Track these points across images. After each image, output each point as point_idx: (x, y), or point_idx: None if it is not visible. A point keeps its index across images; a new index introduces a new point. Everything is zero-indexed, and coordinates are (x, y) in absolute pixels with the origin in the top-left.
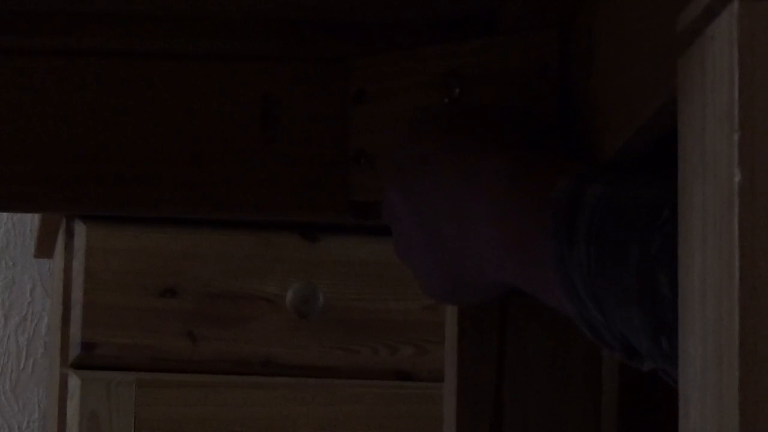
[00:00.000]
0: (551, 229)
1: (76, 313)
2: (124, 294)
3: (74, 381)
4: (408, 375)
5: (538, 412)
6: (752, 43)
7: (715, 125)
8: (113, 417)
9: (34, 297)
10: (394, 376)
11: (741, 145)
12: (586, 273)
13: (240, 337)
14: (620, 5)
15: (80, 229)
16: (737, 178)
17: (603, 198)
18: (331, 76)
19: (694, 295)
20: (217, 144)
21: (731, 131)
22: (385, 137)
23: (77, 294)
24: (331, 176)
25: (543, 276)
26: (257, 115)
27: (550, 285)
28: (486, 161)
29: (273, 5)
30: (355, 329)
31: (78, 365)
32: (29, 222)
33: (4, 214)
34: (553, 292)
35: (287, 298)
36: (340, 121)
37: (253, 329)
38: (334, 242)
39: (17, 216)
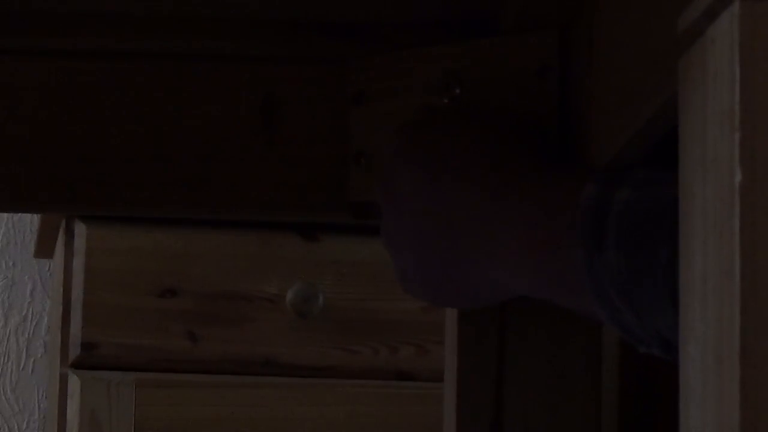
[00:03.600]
0: (580, 236)
1: (76, 313)
2: (124, 294)
3: (74, 381)
4: (408, 375)
5: (538, 412)
6: (753, 43)
7: (716, 125)
8: (113, 417)
9: (34, 297)
10: (394, 376)
11: (742, 145)
12: (617, 278)
13: (240, 337)
14: (621, 6)
15: (80, 229)
16: (738, 179)
17: (630, 202)
18: (331, 76)
19: (694, 296)
20: (217, 144)
21: (732, 131)
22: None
23: (77, 294)
24: (331, 176)
25: (570, 283)
26: (257, 115)
27: (578, 291)
28: (510, 164)
29: (273, 6)
30: (355, 329)
31: (78, 365)
32: (29, 222)
33: (4, 214)
34: (582, 300)
35: (287, 298)
36: (340, 121)
37: (253, 329)
38: (334, 242)
39: (17, 216)
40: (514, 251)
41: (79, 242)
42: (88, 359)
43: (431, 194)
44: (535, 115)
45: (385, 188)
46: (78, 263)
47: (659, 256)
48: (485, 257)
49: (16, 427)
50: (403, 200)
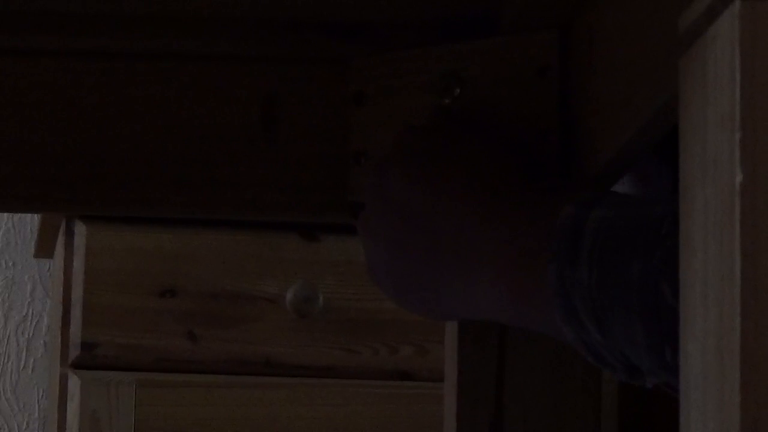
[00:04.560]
0: (553, 252)
1: (76, 313)
2: (124, 294)
3: (74, 381)
4: (408, 375)
5: (538, 412)
6: (754, 43)
7: (717, 126)
8: (113, 417)
9: (34, 297)
10: (394, 376)
11: (742, 145)
12: (587, 294)
13: (240, 337)
14: (621, 6)
15: (80, 229)
16: (738, 179)
17: (604, 220)
18: (331, 76)
19: (695, 296)
20: (217, 144)
21: (732, 131)
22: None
23: (77, 294)
24: (331, 176)
25: (538, 299)
26: (257, 115)
27: (548, 311)
28: (500, 182)
29: (273, 6)
30: (355, 329)
31: (78, 365)
32: (29, 222)
33: (4, 214)
34: (550, 318)
35: (287, 298)
36: (340, 121)
37: (253, 329)
38: (334, 242)
39: (17, 216)
40: (487, 267)
41: (79, 242)
42: (88, 359)
43: (419, 197)
44: (535, 114)
45: (377, 180)
46: (78, 263)
47: (631, 270)
48: (457, 269)
49: (16, 427)
50: (391, 196)
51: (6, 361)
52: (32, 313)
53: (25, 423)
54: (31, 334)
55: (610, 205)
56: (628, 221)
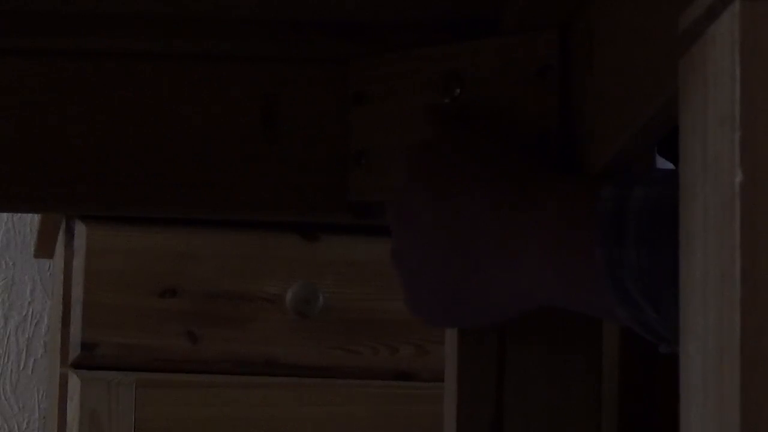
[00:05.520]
0: (599, 236)
1: (76, 313)
2: (124, 294)
3: (74, 381)
4: (408, 375)
5: (538, 412)
6: (754, 43)
7: (716, 126)
8: (113, 417)
9: (34, 297)
10: (394, 376)
11: (742, 145)
12: (637, 275)
13: (240, 337)
14: (621, 6)
15: (80, 229)
16: (738, 179)
17: (647, 200)
18: (331, 76)
19: (695, 296)
20: (217, 144)
21: (732, 131)
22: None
23: (77, 294)
24: (331, 176)
25: (590, 283)
26: (257, 115)
27: (598, 293)
28: (521, 174)
29: (273, 6)
30: (355, 329)
31: (78, 365)
32: (29, 222)
33: (4, 214)
34: (603, 301)
35: (287, 298)
36: (341, 121)
37: (253, 329)
38: (334, 242)
39: (17, 216)
40: (535, 256)
41: (79, 242)
42: (88, 359)
43: (445, 212)
44: (535, 114)
45: (398, 209)
46: (78, 263)
47: (678, 248)
48: (504, 267)
49: (16, 427)
50: (416, 220)
51: (6, 361)
52: (32, 313)
53: (25, 423)
54: (31, 334)
55: (649, 182)
56: (669, 198)
